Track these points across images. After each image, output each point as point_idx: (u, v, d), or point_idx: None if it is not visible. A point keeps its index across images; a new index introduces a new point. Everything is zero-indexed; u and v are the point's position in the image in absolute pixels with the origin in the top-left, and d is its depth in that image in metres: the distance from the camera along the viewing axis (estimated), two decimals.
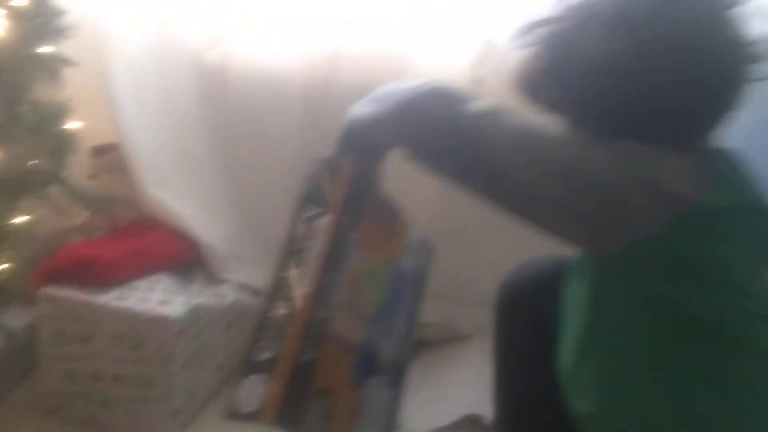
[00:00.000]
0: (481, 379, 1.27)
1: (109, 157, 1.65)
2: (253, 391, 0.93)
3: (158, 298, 1.41)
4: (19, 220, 1.33)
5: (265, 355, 0.96)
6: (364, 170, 1.04)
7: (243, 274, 1.68)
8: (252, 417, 0.90)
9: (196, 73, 1.72)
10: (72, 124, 1.49)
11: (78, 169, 1.57)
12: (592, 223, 0.79)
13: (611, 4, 0.82)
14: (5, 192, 1.21)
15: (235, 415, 0.93)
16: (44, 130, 1.33)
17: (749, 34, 0.81)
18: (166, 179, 1.65)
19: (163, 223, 1.61)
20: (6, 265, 1.22)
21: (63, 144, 1.35)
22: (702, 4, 0.80)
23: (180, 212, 1.63)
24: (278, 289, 1.01)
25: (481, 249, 1.73)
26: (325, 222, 1.02)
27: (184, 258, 1.59)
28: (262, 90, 1.72)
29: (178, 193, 1.66)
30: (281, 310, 0.98)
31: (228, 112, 1.74)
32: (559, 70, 0.86)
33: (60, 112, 1.39)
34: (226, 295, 1.57)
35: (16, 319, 1.27)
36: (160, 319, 1.35)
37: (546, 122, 0.85)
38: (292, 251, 1.02)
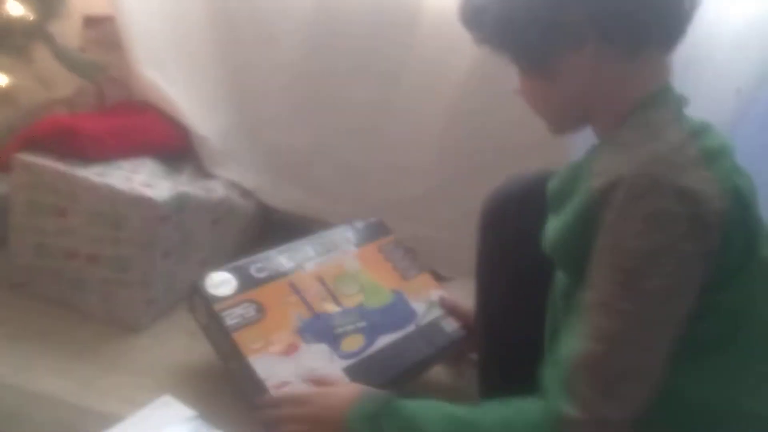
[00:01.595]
0: None
1: (102, 29, 1.54)
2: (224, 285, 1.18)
3: (142, 179, 1.32)
4: (1, 79, 1.22)
5: (258, 275, 1.23)
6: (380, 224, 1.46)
7: (234, 173, 1.60)
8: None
9: None
10: None
11: (68, 38, 1.47)
12: None
13: None
14: None
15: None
16: None
17: None
18: (161, 62, 1.55)
19: (154, 107, 1.52)
20: None
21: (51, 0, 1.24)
22: None
23: (173, 98, 1.53)
24: (294, 250, 1.31)
25: (458, 195, 1.66)
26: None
27: (173, 146, 1.50)
28: None
29: (174, 79, 1.56)
30: (287, 263, 1.28)
31: (235, 6, 1.62)
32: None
33: None
34: (215, 190, 1.49)
35: None
36: (143, 200, 1.26)
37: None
38: (320, 239, 1.36)
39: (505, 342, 1.07)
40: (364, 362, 1.16)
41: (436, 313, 1.30)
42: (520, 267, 1.04)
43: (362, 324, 1.22)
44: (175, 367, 1.26)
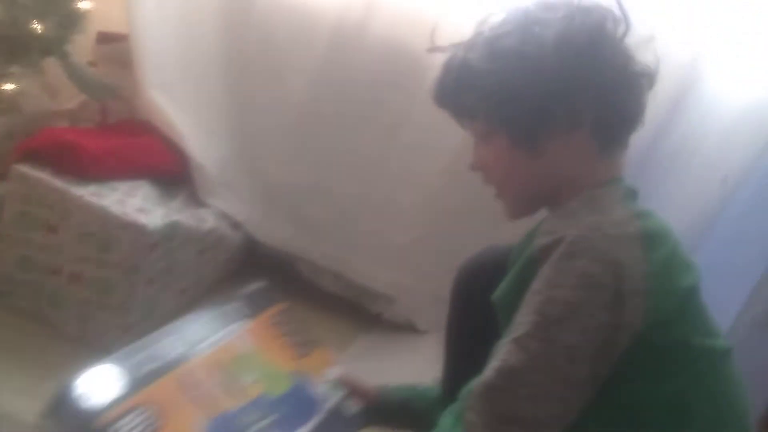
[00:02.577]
0: (427, 372, 1.25)
1: (114, 47, 1.55)
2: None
3: (137, 204, 1.32)
4: (8, 86, 1.22)
5: (137, 373, 0.96)
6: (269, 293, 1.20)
7: (227, 204, 1.60)
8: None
9: None
10: (83, 3, 1.39)
11: (80, 52, 1.47)
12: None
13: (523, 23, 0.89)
14: (3, 50, 1.10)
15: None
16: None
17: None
18: (168, 85, 1.55)
19: (156, 129, 1.52)
20: None
21: (72, 18, 1.24)
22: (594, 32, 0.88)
23: (176, 122, 1.54)
24: (181, 330, 1.07)
25: (443, 248, 1.67)
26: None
27: (170, 170, 1.50)
28: (288, 24, 1.62)
29: (179, 103, 1.57)
30: (174, 350, 1.03)
31: (248, 38, 1.64)
32: (473, 78, 0.90)
33: None
34: (206, 219, 1.49)
35: None
36: (135, 226, 1.26)
37: None
38: (211, 314, 1.11)
39: None
40: None
41: (338, 393, 1.16)
42: (487, 338, 1.05)
43: (268, 420, 1.03)
44: None
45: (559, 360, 0.76)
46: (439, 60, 1.54)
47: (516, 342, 0.78)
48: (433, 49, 0.97)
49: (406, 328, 1.69)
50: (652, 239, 0.80)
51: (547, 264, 0.79)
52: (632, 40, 0.90)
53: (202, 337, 1.07)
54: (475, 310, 1.05)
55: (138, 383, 0.95)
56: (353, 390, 1.18)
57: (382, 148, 1.66)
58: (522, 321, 0.79)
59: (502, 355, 0.79)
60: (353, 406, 1.15)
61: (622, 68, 0.88)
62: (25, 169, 1.29)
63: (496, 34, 0.89)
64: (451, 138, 1.61)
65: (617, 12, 0.90)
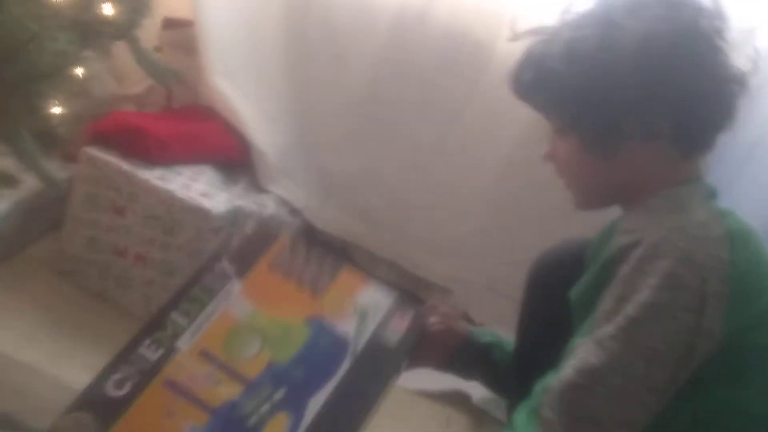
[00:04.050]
0: None
1: (180, 32, 1.57)
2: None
3: (201, 189, 1.34)
4: (80, 70, 1.25)
5: (119, 392, 0.89)
6: (263, 231, 1.09)
7: (286, 190, 1.61)
8: None
9: None
10: None
11: (145, 38, 1.49)
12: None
13: (610, 20, 0.85)
14: (76, 34, 1.12)
15: None
16: None
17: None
18: (232, 71, 1.57)
19: (219, 115, 1.54)
20: (59, 110, 1.14)
21: (141, 3, 1.26)
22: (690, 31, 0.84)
23: (239, 109, 1.55)
24: (158, 327, 0.94)
25: (500, 240, 1.66)
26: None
27: (232, 156, 1.51)
28: (350, 9, 1.61)
29: (242, 90, 1.58)
30: (154, 353, 0.92)
31: (310, 24, 1.63)
32: (560, 76, 0.87)
33: None
34: (267, 205, 1.50)
35: (55, 170, 1.21)
36: (200, 210, 1.28)
37: None
38: (188, 296, 0.97)
39: None
40: None
41: (374, 321, 0.97)
42: (560, 332, 1.03)
43: (280, 394, 0.91)
44: None
45: (639, 362, 0.75)
46: (504, 49, 1.54)
47: (597, 342, 0.77)
48: (515, 38, 0.94)
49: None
50: (738, 241, 0.78)
51: (627, 264, 0.77)
52: (730, 35, 0.85)
53: (183, 327, 0.94)
54: (550, 304, 1.02)
55: (111, 415, 0.87)
56: (444, 327, 1.10)
57: (441, 136, 1.64)
58: (603, 321, 0.77)
59: (581, 354, 0.78)
60: (395, 334, 0.96)
61: (711, 75, 0.84)
62: (94, 152, 1.32)
63: (575, 35, 0.86)
64: (512, 127, 1.59)
65: (712, 6, 0.85)
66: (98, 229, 1.33)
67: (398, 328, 0.97)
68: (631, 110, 0.84)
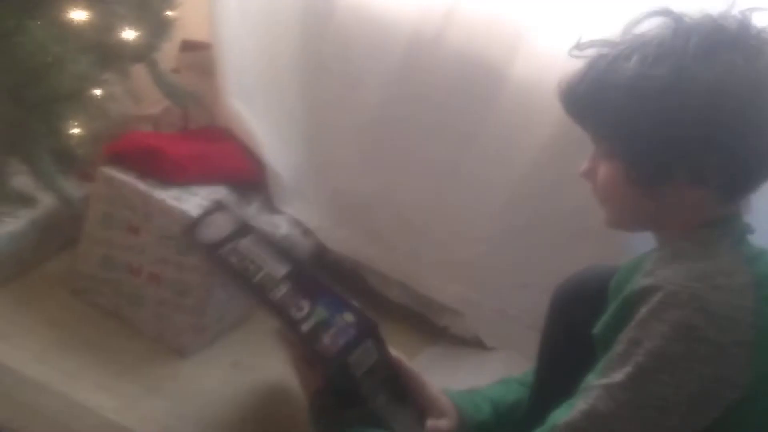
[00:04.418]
0: None
1: (198, 55, 1.59)
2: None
3: None
4: (99, 91, 1.26)
5: None
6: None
7: (300, 211, 1.62)
8: None
9: None
10: (169, 13, 1.43)
11: (164, 60, 1.51)
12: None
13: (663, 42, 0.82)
14: (97, 56, 1.14)
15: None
16: (146, 7, 1.27)
17: None
18: (248, 94, 1.58)
19: (234, 136, 1.55)
20: (78, 130, 1.16)
21: (161, 26, 1.28)
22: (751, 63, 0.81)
23: (254, 131, 1.57)
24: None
25: (513, 264, 1.65)
26: None
27: (246, 177, 1.52)
28: (366, 33, 1.63)
29: (257, 112, 1.59)
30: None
31: (326, 44, 1.65)
32: (604, 95, 0.85)
33: None
34: (280, 226, 1.51)
35: (72, 190, 1.22)
36: None
37: None
38: None
39: None
40: None
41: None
42: (583, 362, 1.02)
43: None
44: (216, 400, 1.27)
45: (649, 411, 0.74)
46: (518, 74, 1.55)
47: (606, 389, 0.76)
48: (578, 50, 0.91)
49: (473, 344, 1.67)
50: (764, 288, 0.77)
51: (645, 307, 0.77)
52: None
53: None
54: (573, 333, 1.01)
55: None
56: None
57: (454, 159, 1.64)
58: (615, 367, 0.77)
59: (591, 399, 0.77)
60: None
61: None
62: (110, 171, 1.33)
63: (644, 72, 0.82)
64: (526, 151, 1.59)
65: None
66: (113, 247, 1.35)
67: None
68: (684, 158, 0.83)
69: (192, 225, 1.14)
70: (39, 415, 1.14)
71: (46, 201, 1.27)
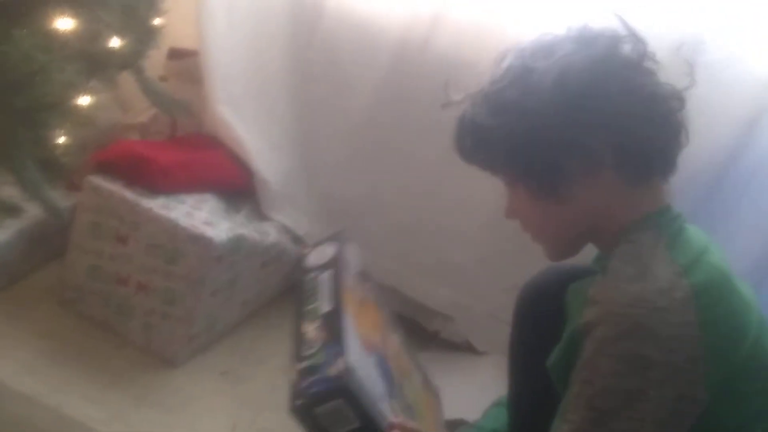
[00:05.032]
0: (484, 394, 1.26)
1: (185, 62, 1.58)
2: None
3: (204, 217, 1.34)
4: (85, 100, 1.25)
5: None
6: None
7: (289, 218, 1.61)
8: None
9: (291, 3, 1.64)
10: (155, 21, 1.42)
11: (151, 67, 1.50)
12: None
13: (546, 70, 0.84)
14: (83, 65, 1.13)
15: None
16: (132, 15, 1.26)
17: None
18: (236, 101, 1.58)
19: (222, 144, 1.54)
20: (65, 139, 1.15)
21: (148, 34, 1.27)
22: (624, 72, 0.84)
23: (242, 138, 1.56)
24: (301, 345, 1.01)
25: (503, 268, 1.65)
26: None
27: (235, 184, 1.52)
28: (354, 37, 1.63)
29: (245, 119, 1.59)
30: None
31: (314, 51, 1.65)
32: (496, 130, 0.87)
33: (152, 1, 1.31)
34: (269, 233, 1.50)
35: (59, 200, 1.21)
36: (202, 239, 1.28)
37: None
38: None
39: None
40: None
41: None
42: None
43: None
44: (206, 409, 1.26)
45: None
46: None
47: None
48: (447, 104, 0.96)
49: (464, 348, 1.67)
50: (704, 297, 0.76)
51: (591, 343, 0.76)
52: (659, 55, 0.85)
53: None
54: (538, 332, 1.03)
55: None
56: None
57: (443, 165, 1.64)
58: (577, 415, 0.76)
59: None
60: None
61: (641, 96, 0.83)
62: (97, 181, 1.33)
63: (496, 88, 0.87)
64: None
65: (628, 32, 0.85)
66: (101, 257, 1.33)
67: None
68: (564, 146, 0.83)
69: (314, 246, 1.17)
70: (28, 427, 1.13)
71: (33, 211, 1.25)
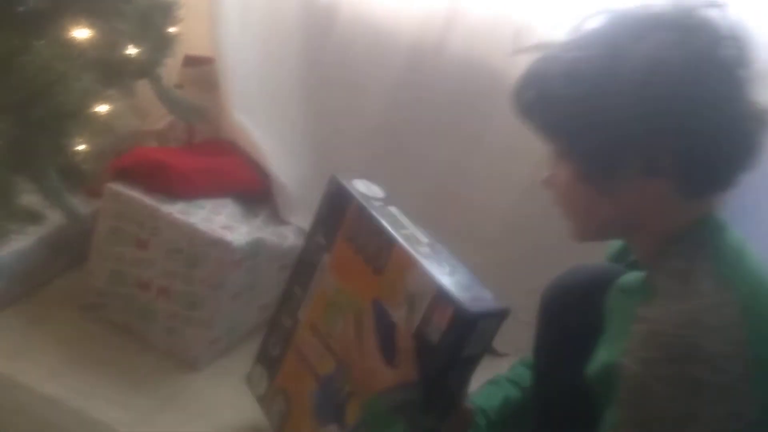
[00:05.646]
0: None
1: (200, 69, 1.60)
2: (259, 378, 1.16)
3: (222, 222, 1.35)
4: (103, 108, 1.27)
5: (272, 351, 1.16)
6: (339, 190, 1.05)
7: (306, 221, 1.60)
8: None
9: (305, 8, 1.65)
10: (171, 29, 1.44)
11: (167, 75, 1.52)
12: None
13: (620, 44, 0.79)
14: (100, 73, 1.15)
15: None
16: (148, 23, 1.28)
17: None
18: (252, 106, 1.59)
19: (239, 149, 1.56)
20: (84, 147, 1.17)
21: (164, 42, 1.29)
22: (713, 64, 0.77)
23: (259, 143, 1.57)
24: (288, 297, 1.14)
25: (523, 269, 1.64)
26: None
27: (253, 189, 1.53)
28: (367, 39, 1.64)
29: (261, 124, 1.60)
30: (288, 321, 1.13)
31: (328, 54, 1.66)
32: (563, 97, 0.81)
33: (168, 10, 1.32)
34: (287, 236, 1.51)
35: (80, 206, 1.23)
36: (221, 243, 1.29)
37: None
38: (300, 269, 1.11)
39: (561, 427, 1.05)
40: None
41: (420, 311, 0.92)
42: (579, 360, 1.02)
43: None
44: (229, 411, 1.27)
45: None
46: (518, 73, 1.55)
47: None
48: (518, 52, 0.92)
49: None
50: (751, 311, 0.75)
51: (640, 365, 0.74)
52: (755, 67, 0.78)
53: (299, 296, 1.10)
54: (565, 332, 1.02)
55: (274, 368, 1.14)
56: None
57: (459, 163, 1.65)
58: None
59: None
60: (437, 329, 0.91)
61: (723, 111, 0.77)
62: (118, 187, 1.34)
63: (578, 56, 0.80)
64: (529, 154, 1.58)
65: (733, 33, 0.78)
66: (122, 262, 1.35)
67: (440, 323, 0.91)
68: (630, 142, 0.78)
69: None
70: (53, 431, 1.15)
71: (55, 218, 1.28)
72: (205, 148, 1.56)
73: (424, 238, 1.02)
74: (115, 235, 1.34)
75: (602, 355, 0.85)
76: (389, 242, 0.98)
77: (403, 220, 1.04)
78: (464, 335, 0.91)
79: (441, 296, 0.91)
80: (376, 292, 0.98)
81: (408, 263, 0.95)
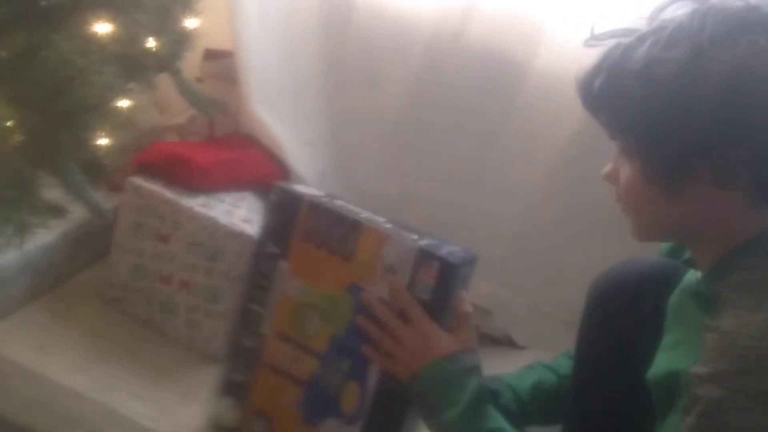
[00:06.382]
0: None
1: (220, 63, 1.60)
2: (229, 410, 1.12)
3: (243, 215, 1.36)
4: (124, 102, 1.28)
5: (238, 378, 1.12)
6: (286, 195, 1.06)
7: None
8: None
9: (323, 1, 1.65)
10: (190, 22, 1.44)
11: (187, 69, 1.53)
12: None
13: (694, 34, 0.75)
14: (121, 68, 1.16)
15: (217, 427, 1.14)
16: (168, 17, 1.28)
17: None
18: (271, 100, 1.59)
19: (259, 143, 1.56)
20: (105, 141, 1.17)
21: (184, 35, 1.29)
22: None
23: (278, 136, 1.57)
24: (245, 318, 1.11)
25: (542, 260, 1.64)
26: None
27: (272, 182, 1.52)
28: (385, 33, 1.63)
29: (281, 117, 1.60)
30: (251, 342, 1.10)
31: (346, 49, 1.66)
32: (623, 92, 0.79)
33: (187, 3, 1.33)
34: None
35: (102, 200, 1.24)
36: (242, 235, 1.29)
37: None
38: (254, 285, 1.09)
39: (596, 421, 1.02)
40: (374, 418, 1.01)
41: (404, 276, 0.96)
42: (622, 352, 0.98)
43: (347, 364, 1.02)
44: None
45: None
46: (540, 68, 1.53)
47: None
48: (594, 41, 0.85)
49: (504, 343, 1.66)
50: None
51: (711, 376, 0.73)
52: None
53: (260, 313, 1.08)
54: (611, 327, 0.99)
55: (242, 394, 1.11)
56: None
57: (478, 157, 1.64)
58: None
59: None
60: (426, 286, 0.96)
61: None
62: (139, 181, 1.35)
63: (657, 55, 0.76)
64: (550, 147, 1.58)
65: None
66: (143, 256, 1.36)
67: (428, 281, 0.97)
68: (704, 151, 0.75)
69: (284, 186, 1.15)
70: (76, 423, 1.16)
71: (77, 213, 1.29)
72: (225, 141, 1.56)
73: (380, 218, 1.05)
74: (136, 230, 1.35)
75: (667, 361, 0.83)
76: (355, 226, 1.01)
77: (354, 207, 1.06)
78: (453, 285, 0.97)
79: (423, 257, 0.97)
80: (350, 277, 1.01)
81: (382, 238, 0.99)
